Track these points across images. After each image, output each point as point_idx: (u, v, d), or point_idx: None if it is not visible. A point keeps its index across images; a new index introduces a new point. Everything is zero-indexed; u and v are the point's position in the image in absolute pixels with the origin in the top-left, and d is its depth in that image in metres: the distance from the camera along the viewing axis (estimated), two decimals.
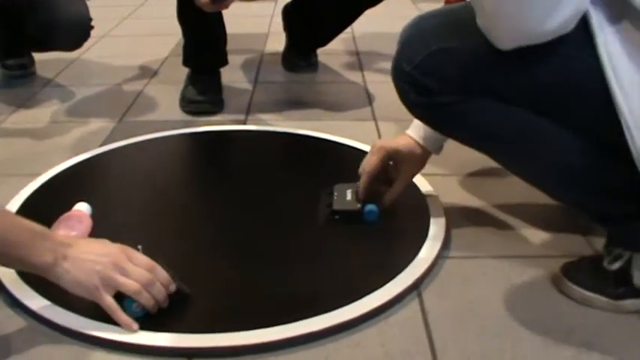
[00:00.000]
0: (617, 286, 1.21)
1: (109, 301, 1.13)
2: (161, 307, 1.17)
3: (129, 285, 1.13)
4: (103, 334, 1.13)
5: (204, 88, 2.16)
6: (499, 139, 1.21)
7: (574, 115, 1.12)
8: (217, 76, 2.23)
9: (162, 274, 1.18)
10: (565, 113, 1.13)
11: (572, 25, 1.03)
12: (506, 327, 1.18)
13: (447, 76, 1.16)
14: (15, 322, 1.20)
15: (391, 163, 1.48)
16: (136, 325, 1.13)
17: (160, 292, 1.16)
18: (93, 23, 2.21)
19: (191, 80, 2.20)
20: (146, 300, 1.14)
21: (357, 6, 2.29)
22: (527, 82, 1.12)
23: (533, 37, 1.04)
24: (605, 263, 1.23)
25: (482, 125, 1.20)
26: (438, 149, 1.45)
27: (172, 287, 1.19)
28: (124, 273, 1.13)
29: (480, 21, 1.08)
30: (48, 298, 1.21)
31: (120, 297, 1.15)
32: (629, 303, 1.21)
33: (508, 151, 1.23)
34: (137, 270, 1.15)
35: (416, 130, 1.44)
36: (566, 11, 1.01)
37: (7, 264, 1.17)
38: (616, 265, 1.21)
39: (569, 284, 1.25)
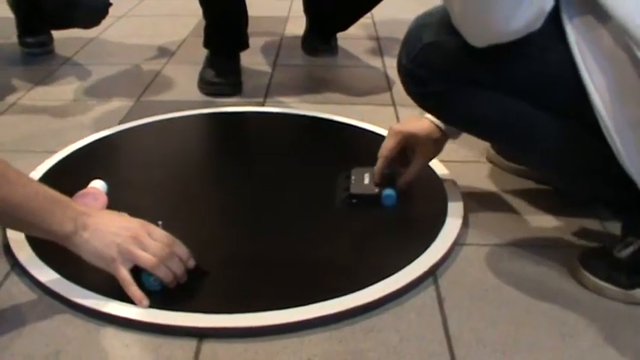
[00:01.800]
0: (629, 275, 1.21)
1: (123, 274, 1.13)
2: (180, 282, 1.17)
3: (146, 259, 1.13)
4: (114, 312, 1.13)
5: (223, 70, 2.15)
6: (491, 125, 1.26)
7: (554, 100, 1.16)
8: (237, 59, 2.22)
9: (181, 249, 1.18)
10: (546, 99, 1.16)
11: (538, 25, 1.08)
12: (522, 316, 1.16)
13: (436, 67, 1.22)
14: (29, 297, 1.20)
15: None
16: (146, 301, 1.13)
17: (179, 267, 1.17)
18: (113, 2, 2.20)
19: (210, 62, 2.19)
20: (164, 274, 1.15)
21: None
22: (508, 73, 1.17)
23: (500, 36, 1.10)
24: (615, 251, 1.23)
25: (473, 112, 1.25)
26: (457, 133, 1.45)
27: (191, 263, 1.19)
28: (143, 247, 1.14)
29: (453, 20, 1.14)
30: (61, 274, 1.21)
31: (138, 270, 1.15)
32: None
33: (502, 136, 1.30)
34: (156, 244, 1.15)
35: None
36: (529, 12, 1.06)
37: (27, 230, 1.19)
38: (625, 253, 1.21)
39: (584, 273, 1.25)
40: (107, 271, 1.14)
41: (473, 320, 1.15)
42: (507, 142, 1.37)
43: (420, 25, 1.24)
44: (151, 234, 1.16)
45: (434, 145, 1.46)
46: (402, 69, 1.28)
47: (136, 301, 1.13)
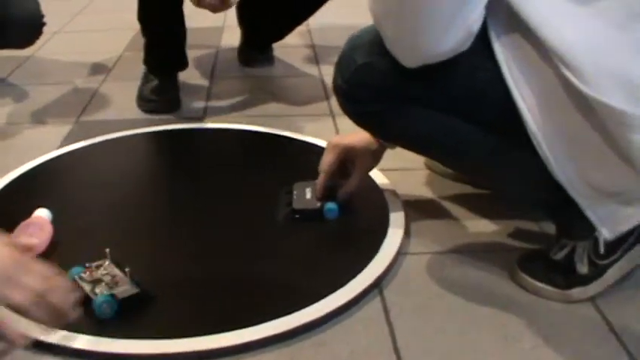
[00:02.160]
0: (564, 275, 1.26)
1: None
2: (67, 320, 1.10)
3: (19, 298, 1.03)
4: (63, 342, 1.13)
5: (161, 86, 2.16)
6: (426, 142, 1.30)
7: (485, 116, 1.20)
8: (175, 76, 2.23)
9: (60, 281, 1.09)
10: (477, 115, 1.20)
11: (466, 45, 1.11)
12: (466, 322, 1.20)
13: (370, 87, 1.25)
14: None
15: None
16: (24, 340, 1.07)
17: (63, 301, 1.07)
18: (46, 19, 2.19)
19: (148, 78, 2.19)
20: (42, 313, 1.05)
21: (312, 1, 2.29)
22: (440, 91, 1.20)
23: (431, 58, 1.13)
24: (551, 253, 1.28)
25: (408, 130, 1.28)
26: (394, 144, 1.48)
27: (74, 295, 1.11)
28: (16, 285, 1.04)
29: (385, 45, 1.17)
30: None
31: (87, 298, 1.17)
32: (576, 292, 1.26)
33: (437, 152, 1.36)
34: (33, 280, 1.05)
35: None
36: (457, 35, 1.09)
37: None
38: (560, 255, 1.27)
39: (523, 275, 1.30)
40: None
41: (419, 330, 1.19)
42: (442, 157, 1.43)
43: (353, 46, 1.27)
44: (27, 269, 1.06)
45: (372, 156, 1.49)
46: (337, 89, 1.30)
47: (13, 340, 1.06)
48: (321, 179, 1.49)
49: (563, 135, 1.11)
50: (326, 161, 1.49)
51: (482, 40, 1.12)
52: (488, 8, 1.10)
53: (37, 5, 2.20)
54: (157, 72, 2.18)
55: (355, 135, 1.48)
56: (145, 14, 2.12)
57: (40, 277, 1.06)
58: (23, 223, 1.39)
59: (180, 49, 2.21)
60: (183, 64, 2.24)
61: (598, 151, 1.10)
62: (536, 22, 1.07)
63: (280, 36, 2.49)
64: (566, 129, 1.11)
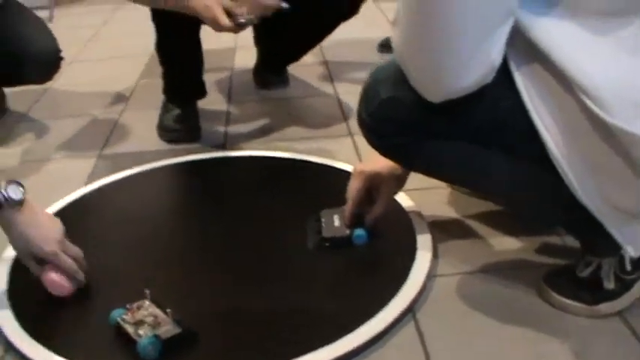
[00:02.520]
0: (591, 291, 1.29)
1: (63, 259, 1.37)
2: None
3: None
4: None
5: (181, 116, 2.19)
6: (450, 172, 1.34)
7: (509, 144, 1.22)
8: (194, 105, 2.26)
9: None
10: (501, 143, 1.22)
11: (489, 79, 1.14)
12: (499, 341, 1.24)
13: (395, 121, 1.27)
14: None
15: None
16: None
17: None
18: (61, 49, 2.24)
19: (168, 107, 2.22)
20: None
21: (328, 24, 2.30)
22: (463, 123, 1.22)
23: (454, 93, 1.15)
24: (577, 271, 1.31)
25: (432, 161, 1.31)
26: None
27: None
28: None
29: (410, 80, 1.19)
30: (54, 351, 1.25)
31: (131, 341, 1.22)
32: (604, 307, 1.28)
33: (462, 180, 1.40)
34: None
35: None
36: (479, 70, 1.12)
37: None
38: (587, 272, 1.30)
39: (550, 292, 1.33)
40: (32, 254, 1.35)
41: (453, 351, 1.22)
42: (467, 185, 1.48)
43: (377, 80, 1.29)
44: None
45: (397, 180, 1.52)
46: (362, 123, 1.33)
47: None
48: (348, 207, 1.53)
49: (586, 161, 1.14)
50: (352, 189, 1.52)
51: (503, 70, 1.14)
52: (508, 39, 1.12)
53: (54, 41, 2.25)
54: (177, 101, 2.21)
55: (379, 161, 1.50)
56: (163, 44, 2.16)
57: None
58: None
59: (198, 77, 2.24)
60: (202, 92, 2.28)
61: (622, 175, 1.13)
62: (554, 52, 1.10)
63: (296, 58, 2.52)
64: (589, 155, 1.13)
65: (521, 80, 1.15)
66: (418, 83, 1.18)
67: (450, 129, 1.24)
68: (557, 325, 1.27)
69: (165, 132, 2.19)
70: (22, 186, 1.37)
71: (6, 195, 1.33)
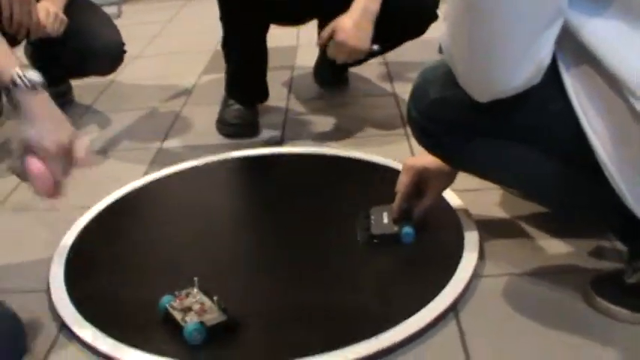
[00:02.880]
0: (637, 298, 1.27)
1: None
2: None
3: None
4: None
5: (241, 111, 2.23)
6: (496, 172, 1.34)
7: (556, 147, 1.21)
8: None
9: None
10: (549, 146, 1.22)
11: (538, 79, 1.13)
12: (541, 345, 1.23)
13: (445, 121, 1.29)
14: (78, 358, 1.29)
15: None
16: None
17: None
18: (126, 43, 2.30)
19: (228, 103, 2.26)
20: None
21: (399, 37, 2.24)
22: (512, 124, 1.23)
23: (503, 93, 1.16)
24: (625, 277, 1.29)
25: (481, 161, 1.32)
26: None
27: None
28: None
29: (459, 79, 1.20)
30: (108, 334, 1.30)
31: (178, 326, 1.25)
32: None
33: (510, 181, 1.41)
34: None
35: None
36: (528, 70, 1.11)
37: None
38: (635, 278, 1.28)
39: (596, 297, 1.32)
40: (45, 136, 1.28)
41: (494, 353, 1.22)
42: (515, 186, 1.48)
43: (427, 80, 1.31)
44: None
45: (446, 176, 1.53)
46: (411, 122, 1.35)
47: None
48: (397, 200, 1.55)
49: (635, 166, 1.12)
50: (401, 183, 1.54)
51: (551, 71, 1.14)
52: (557, 40, 1.12)
53: (118, 35, 2.32)
54: (238, 101, 2.25)
55: (428, 156, 1.52)
56: (229, 42, 2.20)
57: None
58: None
59: (261, 80, 2.29)
60: (264, 95, 2.33)
61: None
62: (604, 54, 1.09)
63: (359, 63, 2.52)
64: (637, 160, 1.12)
65: (571, 82, 1.14)
66: (466, 83, 1.19)
67: (498, 129, 1.24)
68: (603, 332, 1.26)
69: (224, 126, 2.24)
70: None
71: (26, 78, 1.31)
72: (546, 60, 1.11)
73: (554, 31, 1.10)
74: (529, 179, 1.30)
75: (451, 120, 1.28)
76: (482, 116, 1.23)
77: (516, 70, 1.12)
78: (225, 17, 2.14)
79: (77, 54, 2.23)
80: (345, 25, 1.89)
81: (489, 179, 1.44)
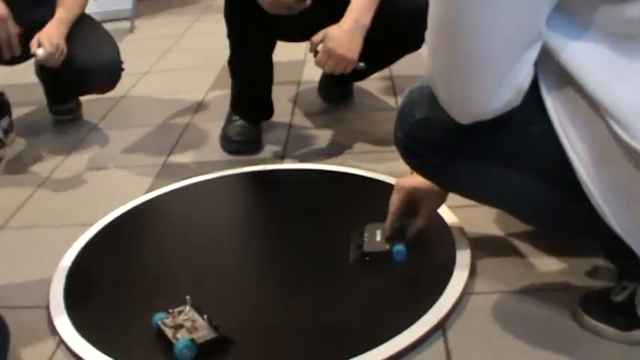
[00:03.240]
0: (625, 317, 1.28)
1: None
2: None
3: None
4: None
5: (244, 128, 2.27)
6: (481, 193, 1.36)
7: (540, 168, 1.22)
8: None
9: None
10: (532, 167, 1.23)
11: (517, 102, 1.14)
12: None
13: (428, 141, 1.30)
14: None
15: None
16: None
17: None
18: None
19: (232, 120, 2.30)
20: None
21: (399, 52, 2.31)
22: (494, 145, 1.24)
23: (483, 115, 1.17)
24: (612, 294, 1.31)
25: (465, 181, 1.33)
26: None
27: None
28: None
29: (440, 103, 1.21)
30: (104, 352, 1.34)
31: (170, 343, 1.28)
32: (637, 334, 1.28)
33: (494, 202, 1.40)
34: None
35: None
36: (508, 93, 1.13)
37: None
38: (621, 297, 1.29)
39: (583, 315, 1.33)
40: None
41: None
42: (500, 207, 1.48)
43: (413, 100, 1.33)
44: None
45: (436, 196, 1.56)
46: (398, 142, 1.37)
47: None
48: (388, 220, 1.57)
49: (616, 187, 1.14)
50: (392, 203, 1.57)
51: (533, 92, 1.16)
52: (538, 62, 1.13)
53: (116, 52, 2.36)
54: (242, 117, 2.29)
55: (419, 177, 1.54)
56: (235, 60, 2.24)
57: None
58: None
59: (266, 98, 2.33)
60: (268, 114, 2.37)
61: None
62: (583, 76, 1.10)
63: (363, 77, 2.56)
64: (618, 181, 1.13)
65: (552, 103, 1.16)
66: (447, 105, 1.20)
67: (481, 151, 1.26)
68: (589, 350, 1.27)
69: (227, 142, 2.27)
70: None
71: None
72: (525, 84, 1.13)
73: (532, 55, 1.11)
74: (512, 200, 1.31)
75: (435, 141, 1.29)
76: (465, 138, 1.25)
77: (495, 93, 1.13)
78: (232, 34, 2.18)
79: (75, 73, 2.27)
80: (334, 34, 1.92)
81: (474, 200, 1.45)
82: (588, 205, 1.16)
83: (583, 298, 1.36)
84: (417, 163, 1.38)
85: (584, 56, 1.11)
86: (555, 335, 1.31)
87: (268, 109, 2.36)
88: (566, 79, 1.14)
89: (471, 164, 1.28)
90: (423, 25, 1.99)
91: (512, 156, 1.24)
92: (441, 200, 1.58)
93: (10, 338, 1.29)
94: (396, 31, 2.03)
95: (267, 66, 2.27)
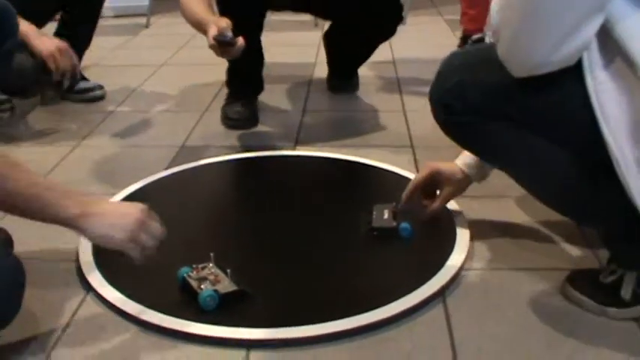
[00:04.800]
0: (607, 295, 1.40)
1: (135, 254, 1.31)
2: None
3: (145, 244, 1.31)
4: (177, 327, 1.36)
5: (241, 107, 2.49)
6: (507, 157, 1.43)
7: (570, 137, 1.30)
8: (254, 99, 2.58)
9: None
10: (564, 137, 1.31)
11: (575, 59, 1.20)
12: (517, 329, 1.38)
13: (469, 100, 1.38)
14: (102, 316, 1.44)
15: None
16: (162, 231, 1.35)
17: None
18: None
19: (230, 99, 2.53)
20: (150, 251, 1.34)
21: (372, 41, 2.70)
22: (531, 111, 1.32)
23: (540, 67, 1.22)
24: (601, 277, 1.43)
25: (494, 144, 1.41)
26: (480, 178, 1.68)
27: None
28: (146, 231, 1.32)
29: (498, 49, 1.28)
30: (129, 296, 1.46)
31: (194, 293, 1.40)
32: (615, 311, 1.39)
33: (515, 168, 1.45)
34: (152, 232, 1.33)
35: (462, 159, 1.68)
36: (572, 46, 1.17)
37: (32, 216, 1.26)
38: (609, 279, 1.41)
39: (568, 287, 1.46)
40: (116, 248, 1.30)
41: (475, 334, 1.36)
42: (520, 176, 1.48)
43: (454, 62, 1.41)
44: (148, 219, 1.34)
45: (457, 184, 1.70)
46: (434, 97, 1.44)
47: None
48: (407, 189, 1.73)
49: None
50: (416, 177, 1.74)
51: (575, 66, 1.21)
52: None
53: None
54: (237, 95, 2.52)
55: (447, 164, 1.70)
56: None
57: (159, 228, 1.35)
58: None
59: (256, 76, 2.53)
60: (259, 88, 2.59)
61: None
62: (634, 49, 1.16)
63: (356, 65, 2.87)
64: None
65: (591, 77, 1.20)
66: (509, 53, 1.24)
67: (518, 115, 1.33)
68: (572, 321, 1.40)
69: (227, 120, 2.49)
70: None
71: None
72: (590, 40, 1.18)
73: (597, 20, 1.15)
74: (536, 169, 1.38)
75: (474, 101, 1.36)
76: (503, 100, 1.32)
77: (558, 47, 1.17)
78: (223, 9, 2.30)
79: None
80: None
81: (498, 165, 1.52)
82: (610, 183, 1.23)
83: (572, 273, 1.49)
84: (449, 121, 1.43)
85: (633, 29, 1.16)
86: (544, 307, 1.44)
87: (259, 85, 2.58)
88: (614, 55, 1.19)
89: (504, 127, 1.36)
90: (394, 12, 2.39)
91: (545, 124, 1.31)
92: (460, 189, 1.72)
93: (25, 283, 1.32)
94: (370, 19, 2.43)
95: (257, 47, 2.46)
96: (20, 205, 1.23)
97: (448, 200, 1.74)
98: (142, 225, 1.31)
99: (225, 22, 1.99)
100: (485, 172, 1.68)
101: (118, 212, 1.31)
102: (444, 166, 1.70)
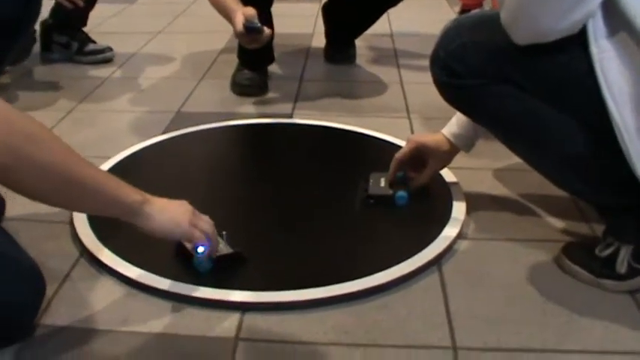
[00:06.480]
0: (602, 267, 1.40)
1: (198, 235, 1.32)
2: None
3: (206, 231, 1.34)
4: (174, 289, 1.36)
5: (252, 74, 2.48)
6: (508, 122, 1.40)
7: (574, 106, 1.30)
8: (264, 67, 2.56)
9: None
10: (566, 104, 1.31)
11: (579, 27, 1.20)
12: (512, 297, 1.38)
13: (472, 63, 1.37)
14: (98, 278, 1.44)
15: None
16: None
17: (217, 243, 1.40)
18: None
19: (241, 68, 2.51)
20: (213, 245, 1.37)
21: (378, 8, 2.69)
22: (534, 75, 1.31)
23: (545, 35, 1.23)
24: (597, 250, 1.42)
25: (495, 108, 1.40)
26: (467, 147, 1.67)
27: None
28: (199, 224, 1.34)
29: (502, 15, 1.27)
30: (126, 260, 1.45)
31: (188, 255, 1.40)
32: (609, 283, 1.40)
33: (515, 134, 1.43)
34: (206, 222, 1.36)
35: (448, 129, 1.67)
36: (579, 14, 1.18)
37: (94, 205, 1.24)
38: (605, 253, 1.41)
39: (563, 257, 1.46)
40: (176, 238, 1.35)
41: (469, 300, 1.37)
42: (517, 143, 1.47)
43: (461, 25, 1.40)
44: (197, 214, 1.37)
45: (443, 155, 1.68)
46: (436, 60, 1.42)
47: None
48: (392, 165, 1.70)
49: None
50: (401, 151, 1.70)
51: (580, 33, 1.22)
52: None
53: None
54: (248, 65, 2.49)
55: (432, 135, 1.68)
56: None
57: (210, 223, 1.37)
58: None
59: (267, 48, 2.47)
60: (269, 59, 2.57)
61: None
62: (635, 16, 1.16)
63: (354, 34, 2.85)
64: None
65: (595, 46, 1.21)
66: (514, 21, 1.24)
67: (523, 79, 1.32)
68: (567, 290, 1.40)
69: (238, 87, 2.48)
70: None
71: None
72: (596, 10, 1.18)
73: None
74: (537, 136, 1.37)
75: (479, 63, 1.36)
76: (509, 64, 1.32)
77: (567, 14, 1.17)
78: None
79: None
80: None
81: (499, 132, 1.47)
82: (611, 155, 1.24)
83: (568, 245, 1.50)
84: (451, 83, 1.42)
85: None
86: (539, 276, 1.44)
87: (269, 56, 2.57)
88: (618, 25, 1.19)
89: (506, 91, 1.35)
90: None
91: (548, 89, 1.31)
92: (446, 162, 1.71)
93: (45, 289, 1.31)
94: None
95: (268, 19, 2.42)
96: (77, 192, 1.18)
97: (435, 172, 1.73)
98: (195, 213, 1.35)
99: (252, 10, 2.01)
100: (472, 141, 1.66)
101: (171, 203, 1.33)
102: (429, 138, 1.68)
